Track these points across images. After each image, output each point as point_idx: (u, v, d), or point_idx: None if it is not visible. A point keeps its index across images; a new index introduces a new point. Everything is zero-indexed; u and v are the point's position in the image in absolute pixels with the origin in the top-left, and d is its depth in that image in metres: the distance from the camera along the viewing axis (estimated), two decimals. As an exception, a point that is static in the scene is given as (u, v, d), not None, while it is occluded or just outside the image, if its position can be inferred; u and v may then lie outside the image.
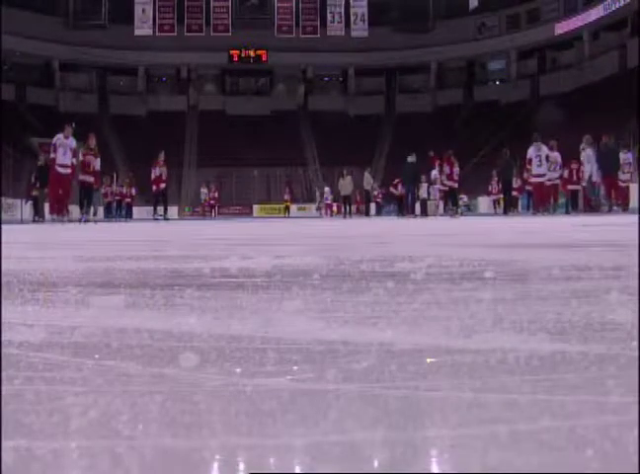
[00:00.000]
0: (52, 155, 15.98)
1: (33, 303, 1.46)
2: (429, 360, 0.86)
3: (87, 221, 16.27)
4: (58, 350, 0.96)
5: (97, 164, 17.14)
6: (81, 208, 17.22)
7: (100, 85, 53.01)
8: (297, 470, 0.51)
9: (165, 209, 21.67)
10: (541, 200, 20.05)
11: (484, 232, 6.81)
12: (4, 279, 1.98)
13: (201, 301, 1.46)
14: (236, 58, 53.42)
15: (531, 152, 19.56)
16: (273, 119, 49.87)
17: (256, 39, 52.14)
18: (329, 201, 38.06)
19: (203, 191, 38.35)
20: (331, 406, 0.68)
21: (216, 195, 37.73)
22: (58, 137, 15.93)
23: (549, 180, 19.91)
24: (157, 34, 52.16)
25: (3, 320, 1.21)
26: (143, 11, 52.38)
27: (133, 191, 29.65)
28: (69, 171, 15.91)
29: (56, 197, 16.15)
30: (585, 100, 39.16)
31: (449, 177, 25.35)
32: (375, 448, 0.55)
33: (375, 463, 0.52)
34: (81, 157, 16.56)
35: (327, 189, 39.65)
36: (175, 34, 52.27)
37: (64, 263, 2.84)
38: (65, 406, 0.68)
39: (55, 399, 0.71)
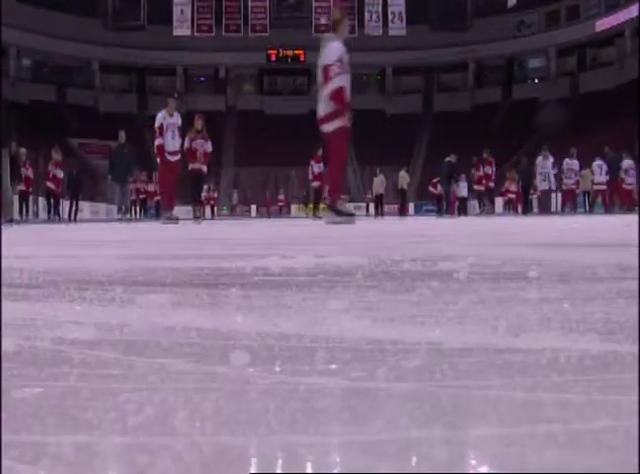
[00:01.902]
0: (159, 141, 13.54)
1: (80, 301, 1.47)
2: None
3: (197, 218, 14.40)
4: (109, 347, 0.97)
5: (208, 147, 14.49)
6: (194, 203, 15.26)
7: (139, 85, 53.47)
8: (358, 467, 0.51)
9: (315, 206, 20.84)
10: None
11: (524, 231, 6.76)
12: (49, 278, 2.01)
13: (246, 300, 1.46)
14: (274, 58, 53.58)
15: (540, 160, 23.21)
16: (311, 119, 49.94)
17: (293, 39, 52.25)
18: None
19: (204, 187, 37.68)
20: (384, 404, 0.68)
21: (215, 195, 37.02)
22: (162, 116, 13.55)
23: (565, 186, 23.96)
24: (195, 34, 52.51)
25: (52, 318, 1.23)
26: (182, 12, 52.73)
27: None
28: (179, 157, 13.71)
29: (169, 190, 13.89)
30: (625, 97, 38.65)
31: (487, 176, 25.32)
32: (431, 447, 0.55)
33: (431, 462, 0.52)
34: (187, 142, 14.16)
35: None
36: (213, 34, 52.57)
37: (107, 261, 2.87)
38: (121, 403, 0.68)
39: (111, 396, 0.71)
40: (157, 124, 13.58)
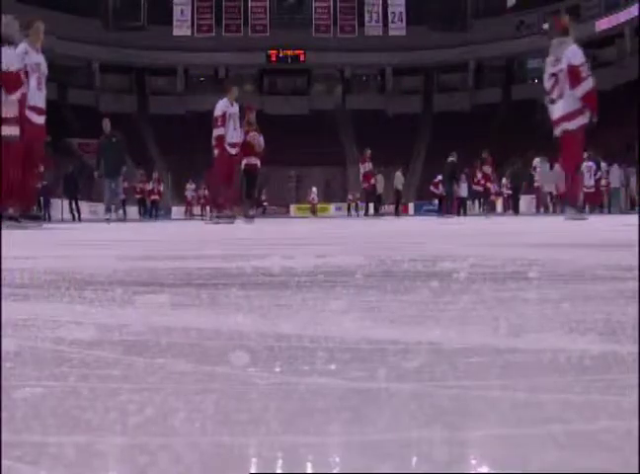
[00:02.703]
0: (220, 131, 12.22)
1: (80, 301, 1.47)
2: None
3: (252, 217, 13.48)
4: (109, 347, 0.97)
5: (262, 142, 13.76)
6: (249, 200, 14.19)
7: (139, 85, 53.46)
8: (358, 467, 0.51)
9: (367, 207, 20.21)
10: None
11: (523, 232, 6.76)
12: (49, 278, 2.01)
13: (246, 300, 1.46)
14: (274, 58, 53.57)
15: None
16: (311, 119, 49.96)
17: (294, 39, 52.27)
18: (316, 202, 38.46)
19: (190, 187, 36.22)
20: (384, 404, 0.68)
21: (206, 192, 34.68)
22: (225, 104, 12.26)
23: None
24: (195, 34, 52.51)
25: (52, 318, 1.23)
26: (182, 12, 52.75)
27: (162, 188, 29.28)
28: (238, 150, 12.70)
29: (229, 185, 12.53)
30: (625, 97, 38.63)
31: (485, 176, 25.45)
32: (431, 447, 0.55)
33: (432, 462, 0.52)
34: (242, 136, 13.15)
35: (314, 189, 39.70)
36: (213, 34, 52.58)
37: (107, 261, 2.87)
38: (121, 403, 0.68)
39: (111, 396, 0.71)
40: (219, 113, 12.25)
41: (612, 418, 0.62)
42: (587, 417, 0.63)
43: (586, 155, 26.25)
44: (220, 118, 12.27)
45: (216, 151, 12.36)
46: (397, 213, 26.91)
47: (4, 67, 8.97)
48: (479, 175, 25.59)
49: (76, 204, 23.50)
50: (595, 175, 25.87)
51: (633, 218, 8.68)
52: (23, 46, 9.41)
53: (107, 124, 16.85)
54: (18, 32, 9.67)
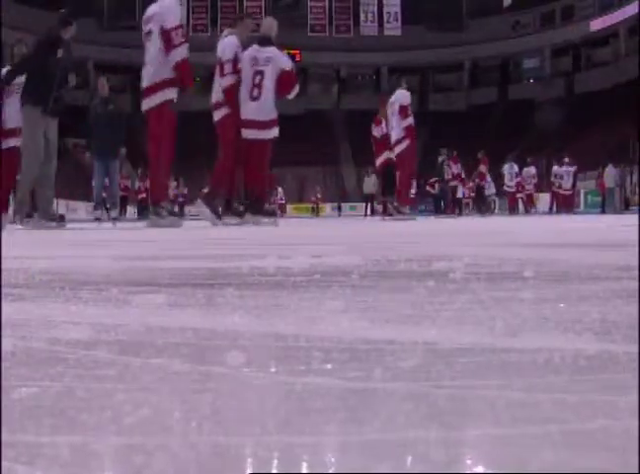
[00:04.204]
0: (231, 79, 9.63)
1: (75, 301, 1.47)
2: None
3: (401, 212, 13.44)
4: (105, 347, 0.97)
5: None
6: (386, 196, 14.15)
7: (133, 85, 53.39)
8: (355, 467, 0.51)
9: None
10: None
11: (520, 231, 6.77)
12: (45, 278, 2.01)
13: (243, 300, 1.46)
14: (269, 58, 53.35)
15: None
16: (306, 119, 49.96)
17: (289, 39, 52.20)
18: (283, 201, 38.33)
19: (172, 184, 35.44)
20: (381, 404, 0.68)
21: (185, 191, 34.03)
22: (234, 43, 9.65)
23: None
24: (191, 33, 52.44)
25: (47, 318, 1.23)
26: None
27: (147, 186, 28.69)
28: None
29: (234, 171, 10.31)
30: (620, 98, 38.71)
31: (481, 175, 25.58)
32: (427, 447, 0.55)
33: (428, 462, 0.52)
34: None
35: (280, 189, 39.56)
36: (208, 34, 52.54)
37: (103, 262, 2.87)
38: (117, 403, 0.68)
39: (106, 396, 0.71)
40: (229, 56, 9.68)
41: (609, 417, 0.62)
42: (583, 416, 0.63)
43: (566, 160, 27.38)
44: (231, 62, 9.67)
45: (223, 112, 9.75)
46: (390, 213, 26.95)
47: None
48: (475, 175, 25.80)
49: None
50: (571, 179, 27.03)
51: (630, 218, 8.70)
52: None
53: (103, 86, 13.27)
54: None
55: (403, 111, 13.53)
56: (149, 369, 0.83)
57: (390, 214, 14.27)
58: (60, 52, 9.11)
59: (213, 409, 0.67)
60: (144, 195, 29.75)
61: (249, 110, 9.42)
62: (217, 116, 9.75)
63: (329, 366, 0.84)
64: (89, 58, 50.73)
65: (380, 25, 53.22)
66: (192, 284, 1.84)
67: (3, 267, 1.99)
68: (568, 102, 46.94)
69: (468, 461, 0.54)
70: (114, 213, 13.58)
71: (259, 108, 9.42)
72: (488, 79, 53.15)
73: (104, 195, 13.85)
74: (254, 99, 9.42)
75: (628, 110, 33.79)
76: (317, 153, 46.26)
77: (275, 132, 9.62)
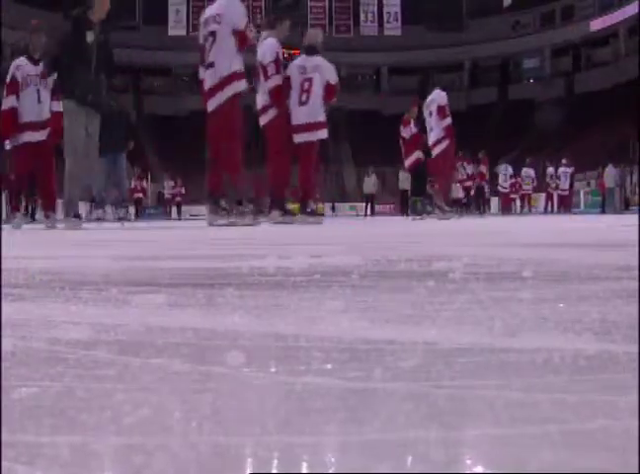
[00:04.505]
0: (277, 80, 10.10)
1: (75, 301, 1.47)
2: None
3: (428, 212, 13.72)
4: (105, 347, 0.97)
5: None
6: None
7: (134, 85, 53.42)
8: (355, 467, 0.51)
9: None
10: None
11: (519, 231, 6.77)
12: (45, 278, 2.01)
13: (243, 300, 1.46)
14: (270, 57, 53.34)
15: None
16: (306, 119, 49.79)
17: (289, 39, 52.18)
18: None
19: (169, 184, 34.07)
20: (381, 404, 0.68)
21: (183, 190, 33.34)
22: (275, 45, 10.22)
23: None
24: (191, 33, 52.43)
25: (47, 318, 1.23)
26: (177, 12, 52.74)
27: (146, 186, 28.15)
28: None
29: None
30: (620, 98, 38.70)
31: (481, 175, 25.61)
32: (427, 447, 0.55)
33: (428, 462, 0.52)
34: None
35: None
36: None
37: (103, 262, 2.87)
38: (117, 403, 0.68)
39: (106, 396, 0.71)
40: (271, 59, 10.12)
41: (609, 417, 0.62)
42: (583, 416, 0.63)
43: (564, 161, 27.76)
44: (274, 64, 10.04)
45: (271, 115, 10.06)
46: (404, 213, 26.97)
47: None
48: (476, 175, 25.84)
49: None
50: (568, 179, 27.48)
51: (630, 218, 8.71)
52: None
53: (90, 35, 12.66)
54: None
55: (441, 111, 13.91)
56: (149, 369, 0.83)
57: (420, 214, 14.47)
58: (90, 36, 8.74)
59: (213, 409, 0.67)
60: (140, 194, 29.55)
61: (298, 114, 10.02)
62: (265, 119, 9.91)
63: (329, 366, 0.84)
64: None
65: (380, 25, 53.22)
66: (192, 284, 1.84)
67: (3, 267, 1.99)
68: (568, 102, 46.94)
69: (468, 461, 0.54)
70: (122, 213, 12.84)
71: (307, 111, 10.03)
72: (488, 79, 53.14)
73: (103, 193, 13.06)
74: (302, 103, 10.03)
75: (628, 110, 33.79)
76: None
77: (322, 134, 10.18)
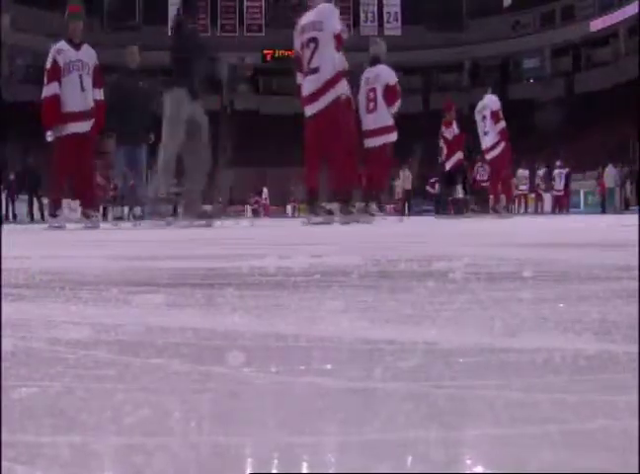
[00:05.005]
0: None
1: (75, 301, 1.47)
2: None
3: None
4: (105, 347, 0.96)
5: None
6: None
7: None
8: (355, 467, 0.51)
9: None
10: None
11: (519, 232, 6.77)
12: (45, 278, 2.01)
13: (243, 300, 1.46)
14: (270, 58, 53.43)
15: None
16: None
17: (289, 39, 52.16)
18: (266, 202, 38.08)
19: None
20: (381, 404, 0.68)
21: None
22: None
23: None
24: (190, 33, 52.35)
25: (47, 318, 1.23)
26: (177, 12, 52.61)
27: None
28: None
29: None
30: (620, 98, 38.66)
31: (483, 176, 25.70)
32: (427, 447, 0.55)
33: (428, 462, 0.52)
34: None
35: (265, 189, 39.30)
36: (209, 34, 52.45)
37: (103, 261, 2.87)
38: (117, 403, 0.68)
39: (106, 396, 0.71)
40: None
41: (609, 417, 0.62)
42: (583, 416, 0.63)
43: (558, 163, 27.88)
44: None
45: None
46: (404, 213, 26.95)
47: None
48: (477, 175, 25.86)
49: (39, 201, 21.18)
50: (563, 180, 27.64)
51: (630, 218, 8.70)
52: None
53: (134, 54, 11.38)
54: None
55: (495, 115, 14.57)
56: (149, 369, 0.83)
57: (447, 213, 14.92)
58: (184, 34, 9.19)
59: (213, 409, 0.67)
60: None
61: (367, 121, 11.24)
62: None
63: (329, 366, 0.84)
64: (89, 58, 50.69)
65: (380, 25, 53.16)
66: (191, 284, 1.84)
67: (3, 267, 1.99)
68: (568, 102, 46.91)
69: (468, 461, 0.54)
70: (138, 211, 11.25)
71: (375, 118, 11.20)
72: (488, 79, 53.09)
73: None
74: (370, 111, 11.24)
75: (628, 110, 33.75)
76: (317, 153, 46.23)
77: (392, 137, 11.30)
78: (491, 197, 15.50)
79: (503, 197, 14.96)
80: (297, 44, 9.32)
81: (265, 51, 52.66)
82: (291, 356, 0.90)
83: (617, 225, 7.39)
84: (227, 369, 0.82)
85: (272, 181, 43.72)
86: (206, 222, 8.67)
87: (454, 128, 16.09)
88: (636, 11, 42.60)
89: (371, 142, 11.16)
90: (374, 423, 0.61)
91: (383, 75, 11.41)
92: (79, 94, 8.98)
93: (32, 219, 20.84)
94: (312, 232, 6.85)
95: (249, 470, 0.51)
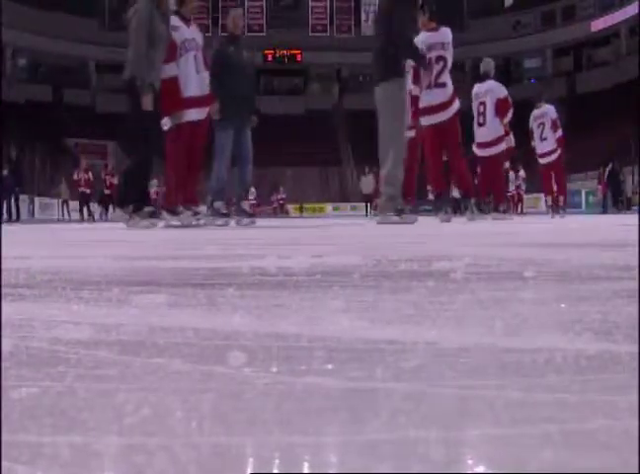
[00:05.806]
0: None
1: (76, 301, 1.47)
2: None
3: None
4: (106, 347, 0.97)
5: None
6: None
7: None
8: (356, 467, 0.51)
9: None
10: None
11: (518, 232, 6.77)
12: (46, 278, 2.01)
13: (244, 300, 1.46)
14: (270, 58, 53.45)
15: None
16: (307, 119, 49.89)
17: (290, 39, 52.22)
18: (256, 202, 37.87)
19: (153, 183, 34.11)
20: (382, 404, 0.68)
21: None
22: None
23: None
24: (192, 34, 52.37)
25: (48, 318, 1.23)
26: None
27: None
28: None
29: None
30: (622, 97, 38.65)
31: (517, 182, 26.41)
32: (428, 447, 0.55)
33: (429, 462, 0.52)
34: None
35: (252, 189, 39.12)
36: (209, 34, 52.41)
37: (104, 261, 2.87)
38: (118, 403, 0.68)
39: (107, 396, 0.71)
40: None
41: (609, 417, 0.62)
42: (583, 416, 0.63)
43: None
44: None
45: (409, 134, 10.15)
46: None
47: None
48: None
49: (16, 202, 21.42)
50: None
51: (630, 218, 8.69)
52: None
53: (237, 18, 10.13)
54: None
55: (554, 124, 15.11)
56: (150, 369, 0.83)
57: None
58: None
59: (214, 409, 0.67)
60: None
61: (478, 134, 12.12)
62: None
63: (330, 366, 0.84)
64: (90, 59, 50.67)
65: (381, 25, 53.19)
66: (193, 284, 1.84)
67: (3, 267, 1.99)
68: (569, 102, 46.90)
69: (468, 461, 0.54)
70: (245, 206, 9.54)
71: (485, 131, 12.04)
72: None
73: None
74: (480, 125, 12.09)
75: (629, 109, 33.76)
76: (317, 153, 46.21)
77: (502, 147, 12.17)
78: (546, 197, 16.31)
79: (561, 197, 15.71)
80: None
81: (266, 51, 52.68)
82: (292, 356, 0.90)
83: (617, 225, 7.38)
84: (228, 369, 0.82)
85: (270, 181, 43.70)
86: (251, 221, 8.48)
87: None
88: (637, 11, 42.58)
89: (483, 152, 12.17)
90: (375, 423, 0.61)
91: (495, 90, 12.22)
92: (195, 77, 8.16)
93: (9, 219, 20.65)
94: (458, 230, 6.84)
95: (250, 470, 0.51)
